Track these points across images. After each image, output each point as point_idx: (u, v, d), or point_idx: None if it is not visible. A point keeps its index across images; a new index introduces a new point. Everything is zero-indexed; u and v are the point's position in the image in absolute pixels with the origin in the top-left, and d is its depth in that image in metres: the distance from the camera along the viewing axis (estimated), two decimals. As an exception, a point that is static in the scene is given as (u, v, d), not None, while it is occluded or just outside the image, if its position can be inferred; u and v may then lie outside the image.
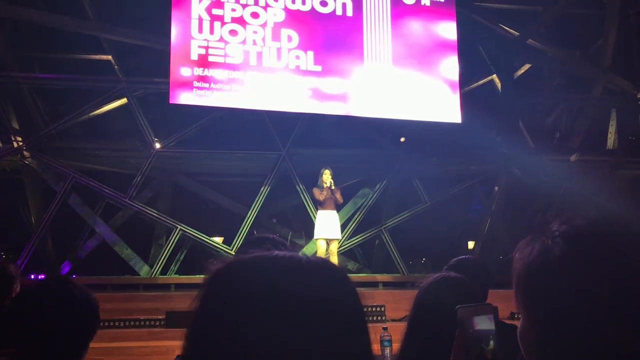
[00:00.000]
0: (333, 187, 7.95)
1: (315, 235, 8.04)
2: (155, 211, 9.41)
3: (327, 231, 7.93)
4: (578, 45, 11.75)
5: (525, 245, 0.93)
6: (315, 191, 8.04)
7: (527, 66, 11.35)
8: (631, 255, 0.85)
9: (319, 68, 9.02)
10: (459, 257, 2.73)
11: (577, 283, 0.84)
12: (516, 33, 10.82)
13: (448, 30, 9.74)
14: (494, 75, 10.99)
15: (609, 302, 0.82)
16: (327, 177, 7.96)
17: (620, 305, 0.81)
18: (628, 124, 11.39)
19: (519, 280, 0.92)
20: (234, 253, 8.60)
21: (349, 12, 9.30)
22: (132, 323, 6.57)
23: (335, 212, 8.05)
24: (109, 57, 9.78)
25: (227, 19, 8.78)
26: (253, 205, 9.39)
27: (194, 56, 8.57)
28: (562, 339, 0.85)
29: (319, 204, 8.11)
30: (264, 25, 8.91)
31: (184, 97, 8.50)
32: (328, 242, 8.01)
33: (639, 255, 0.84)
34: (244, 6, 8.85)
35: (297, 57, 8.96)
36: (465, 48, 9.95)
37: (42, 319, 1.63)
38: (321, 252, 7.97)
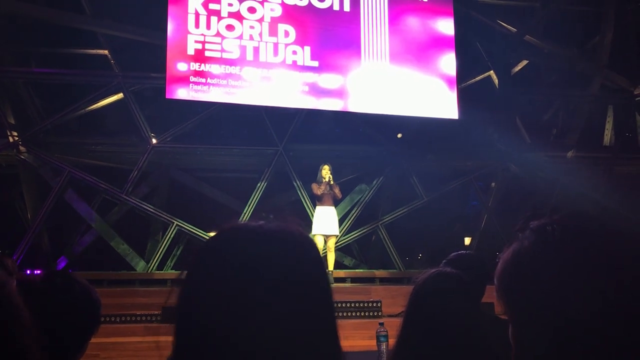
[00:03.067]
0: (332, 183, 7.95)
1: (313, 231, 8.04)
2: (151, 206, 9.40)
3: (325, 227, 7.93)
4: (575, 42, 11.75)
5: (506, 247, 0.93)
6: (314, 186, 8.05)
7: (524, 62, 11.34)
8: (597, 245, 0.84)
9: (315, 63, 9.01)
10: (456, 253, 2.72)
11: (545, 274, 0.84)
12: (514, 29, 10.82)
13: (445, 26, 9.73)
14: (491, 72, 10.98)
15: (577, 293, 0.80)
16: (326, 172, 7.97)
17: (588, 295, 0.80)
18: (625, 121, 11.41)
19: (498, 279, 0.92)
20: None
21: (346, 8, 9.28)
22: (128, 318, 6.57)
23: (333, 208, 8.06)
24: (106, 52, 9.72)
25: (223, 13, 8.75)
26: (250, 201, 9.38)
27: (191, 51, 8.54)
28: (539, 337, 0.83)
29: (317, 200, 8.12)
30: (260, 20, 8.88)
31: (181, 92, 8.48)
32: (326, 238, 8.01)
33: (606, 245, 0.84)
34: (241, 1, 8.83)
35: (294, 53, 8.94)
36: (463, 44, 9.95)
37: (43, 315, 1.62)
38: (319, 248, 7.95)
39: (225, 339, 0.71)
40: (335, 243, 8.58)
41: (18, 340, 0.79)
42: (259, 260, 0.74)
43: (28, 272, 8.37)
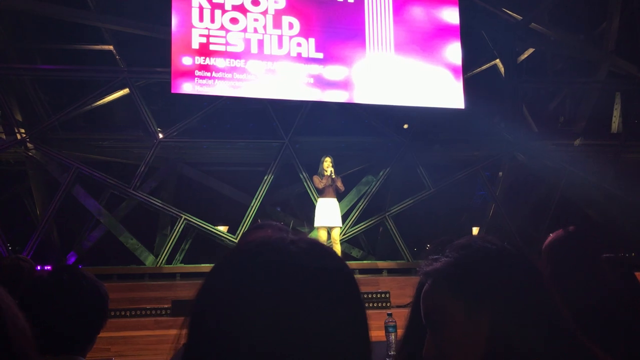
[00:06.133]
0: (333, 176, 7.93)
1: (316, 223, 8.05)
2: (159, 201, 9.43)
3: (327, 219, 7.92)
4: (582, 28, 11.65)
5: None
6: (316, 179, 8.04)
7: (530, 50, 11.26)
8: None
9: (320, 55, 8.99)
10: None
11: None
12: (519, 17, 10.73)
13: (450, 15, 9.67)
14: (497, 60, 10.92)
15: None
16: (327, 164, 7.94)
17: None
18: (633, 108, 11.32)
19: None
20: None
21: (351, -1, 9.24)
22: (138, 312, 6.62)
23: (335, 200, 8.03)
24: (111, 47, 9.75)
25: (227, 6, 8.74)
26: (257, 194, 9.39)
27: (195, 45, 8.54)
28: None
29: (319, 192, 8.11)
30: (264, 12, 8.87)
31: (186, 87, 8.49)
32: (329, 229, 8.01)
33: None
34: (245, -6, 8.82)
35: (299, 45, 8.92)
36: (468, 33, 9.89)
37: (51, 310, 1.63)
38: (322, 240, 7.97)
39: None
40: (341, 235, 8.58)
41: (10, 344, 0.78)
42: (291, 279, 0.71)
43: (38, 267, 8.43)
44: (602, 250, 1.90)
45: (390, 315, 3.14)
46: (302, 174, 9.43)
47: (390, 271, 9.11)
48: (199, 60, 8.52)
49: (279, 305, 0.68)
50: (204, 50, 8.56)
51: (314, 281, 0.72)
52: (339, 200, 8.34)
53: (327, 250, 0.78)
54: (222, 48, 8.64)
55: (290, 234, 0.78)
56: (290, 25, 8.94)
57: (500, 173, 10.69)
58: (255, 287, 0.70)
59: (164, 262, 8.98)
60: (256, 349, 0.67)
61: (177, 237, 9.14)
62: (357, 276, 8.57)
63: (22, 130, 9.19)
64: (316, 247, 0.77)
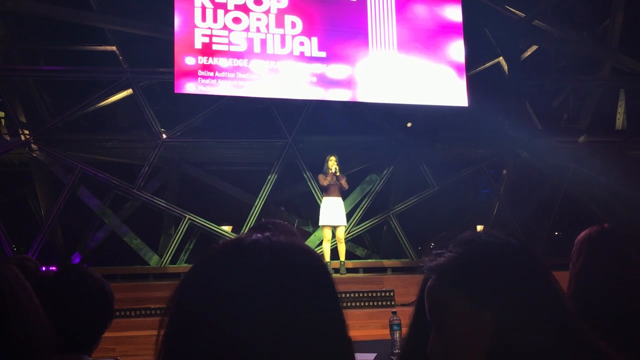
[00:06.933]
0: (338, 174, 7.95)
1: (320, 222, 8.07)
2: (163, 201, 9.44)
3: (332, 218, 7.94)
4: (585, 25, 11.61)
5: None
6: (320, 177, 8.07)
7: (533, 48, 11.23)
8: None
9: (323, 54, 8.98)
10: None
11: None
12: (522, 14, 10.70)
13: (453, 13, 9.65)
14: (501, 58, 10.89)
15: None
16: (332, 163, 7.97)
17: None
18: (637, 104, 11.27)
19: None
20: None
21: (353, -3, 9.23)
22: (142, 312, 6.62)
23: (339, 198, 8.06)
24: (114, 48, 9.76)
25: (230, 6, 8.74)
26: (261, 194, 9.39)
27: (198, 45, 8.55)
28: None
29: (323, 191, 8.13)
30: (267, 12, 8.87)
31: (189, 87, 8.49)
32: (334, 229, 8.02)
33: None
34: (247, -7, 8.82)
35: (302, 44, 8.92)
36: (471, 31, 9.86)
37: (57, 309, 1.63)
38: (327, 239, 8.00)
39: None
40: (346, 233, 8.58)
41: (16, 330, 0.79)
42: (260, 281, 0.72)
43: (43, 268, 8.45)
44: (634, 248, 1.92)
45: (394, 313, 3.15)
46: (306, 173, 9.43)
47: (395, 270, 9.10)
48: (202, 60, 8.53)
49: (258, 303, 0.70)
50: (207, 50, 8.57)
51: (290, 279, 0.73)
52: (343, 199, 8.35)
53: (304, 248, 0.78)
54: (225, 48, 8.64)
55: (267, 233, 0.79)
56: (293, 25, 8.94)
57: (504, 171, 10.67)
58: (236, 287, 0.71)
59: (168, 262, 8.99)
60: (239, 347, 0.68)
61: (181, 237, 9.15)
62: (362, 275, 8.58)
63: (26, 132, 9.21)
64: (292, 245, 0.77)
